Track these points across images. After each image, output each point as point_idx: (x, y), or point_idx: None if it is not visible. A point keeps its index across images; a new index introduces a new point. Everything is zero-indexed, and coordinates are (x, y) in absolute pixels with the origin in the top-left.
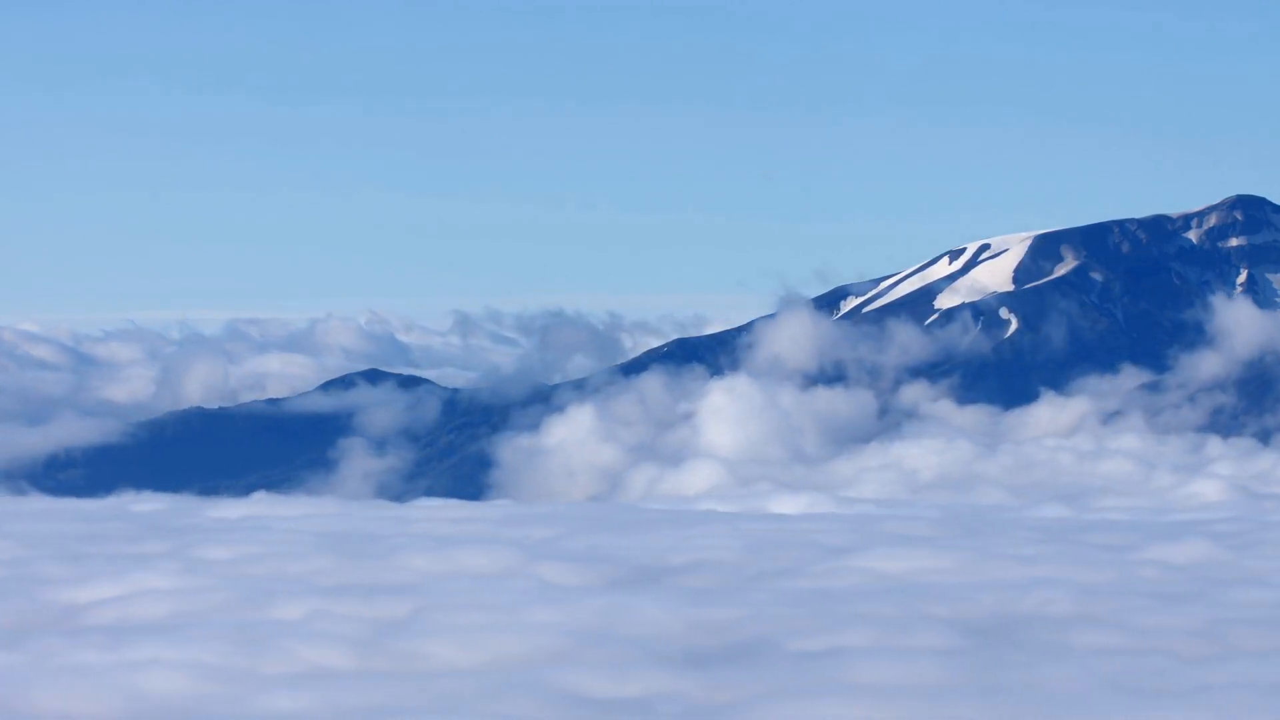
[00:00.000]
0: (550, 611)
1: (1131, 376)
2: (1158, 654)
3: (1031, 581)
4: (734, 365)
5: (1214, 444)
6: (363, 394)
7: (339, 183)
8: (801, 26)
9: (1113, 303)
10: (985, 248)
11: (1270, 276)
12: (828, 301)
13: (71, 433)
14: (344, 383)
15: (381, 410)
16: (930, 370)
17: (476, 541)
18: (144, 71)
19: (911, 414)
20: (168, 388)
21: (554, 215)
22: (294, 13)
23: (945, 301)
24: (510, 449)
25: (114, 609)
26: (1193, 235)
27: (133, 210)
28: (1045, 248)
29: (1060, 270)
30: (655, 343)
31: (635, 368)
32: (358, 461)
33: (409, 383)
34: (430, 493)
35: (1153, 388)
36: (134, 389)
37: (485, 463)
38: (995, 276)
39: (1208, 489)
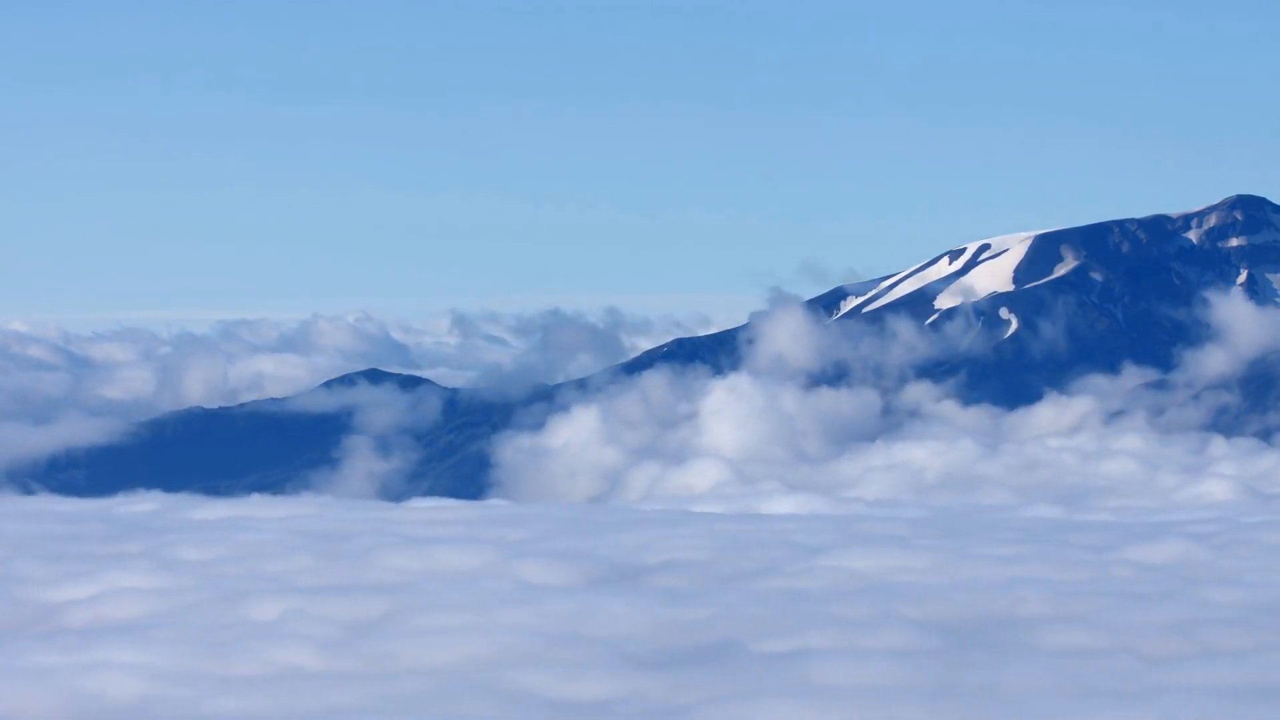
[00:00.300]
0: (522, 612)
1: (1132, 377)
2: (1123, 655)
3: (1006, 582)
4: (735, 365)
5: (1217, 444)
6: (363, 394)
7: (336, 182)
8: (801, 26)
9: (1113, 303)
10: (985, 248)
11: (1270, 276)
12: (828, 301)
13: (72, 433)
14: (344, 382)
15: (382, 410)
16: (931, 370)
17: (457, 541)
18: (134, 71)
19: (913, 414)
20: (167, 388)
21: (554, 215)
22: (291, 12)
23: (945, 301)
24: (511, 449)
25: (89, 609)
26: (1193, 235)
27: (120, 210)
28: (1045, 248)
29: (1060, 270)
30: (656, 342)
31: (636, 367)
32: (358, 461)
33: (409, 383)
34: (431, 492)
35: (1153, 388)
36: (131, 389)
37: (486, 463)
38: (995, 276)
39: (1217, 489)
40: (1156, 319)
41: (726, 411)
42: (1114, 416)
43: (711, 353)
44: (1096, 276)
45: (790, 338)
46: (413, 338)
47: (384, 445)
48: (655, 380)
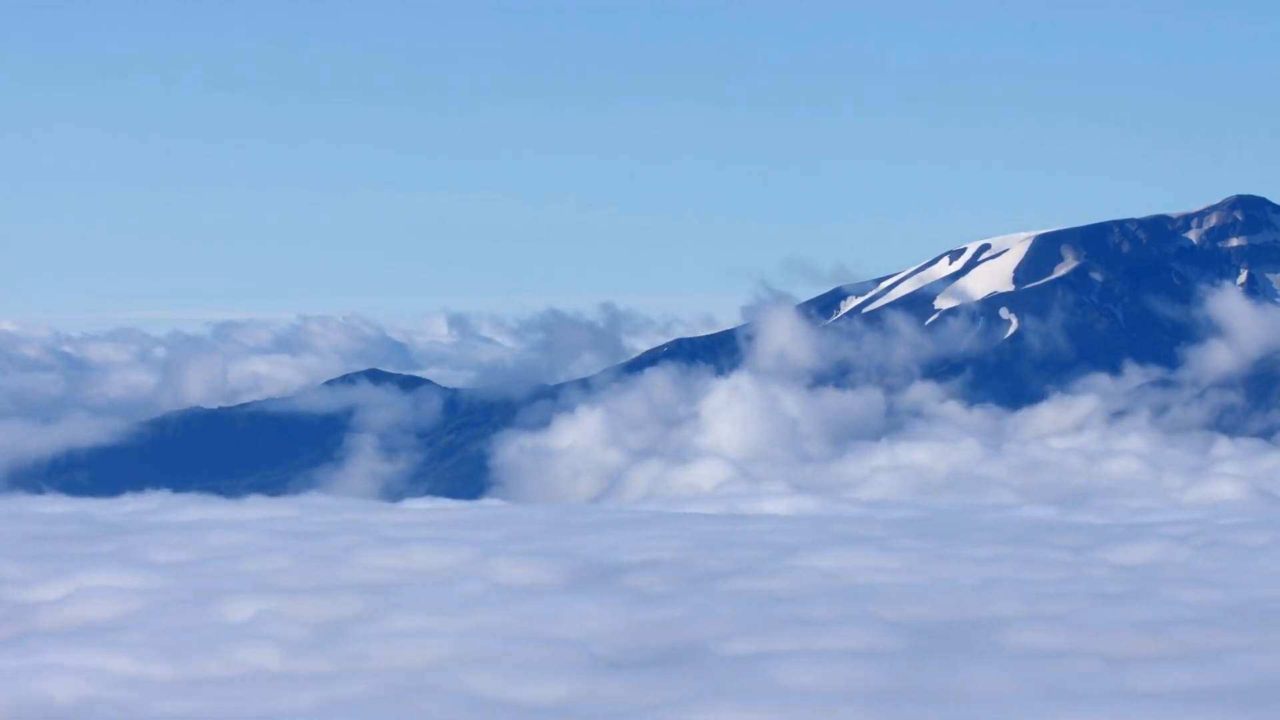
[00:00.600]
0: (492, 614)
1: (1132, 377)
2: (1090, 656)
3: (980, 583)
4: (735, 365)
5: (1221, 444)
6: (364, 394)
7: (333, 182)
8: (801, 26)
9: (1113, 303)
10: (985, 248)
11: (1270, 276)
12: (828, 301)
13: (74, 434)
14: (345, 382)
15: (383, 410)
16: (931, 371)
17: (438, 542)
18: (126, 71)
19: (914, 414)
20: (166, 388)
21: (554, 215)
22: (288, 11)
23: (945, 301)
24: (511, 449)
25: (62, 610)
26: (1193, 235)
27: (109, 210)
28: (1045, 248)
29: (1060, 270)
30: (656, 342)
31: (637, 367)
32: (359, 461)
33: (410, 383)
34: (432, 493)
35: (1154, 388)
36: (129, 390)
37: (487, 463)
38: (995, 277)
39: (1227, 489)
40: (1156, 319)
41: (728, 411)
42: (1115, 417)
43: (712, 353)
44: (1097, 276)
45: (790, 338)
46: (412, 338)
47: (385, 445)
48: (656, 380)
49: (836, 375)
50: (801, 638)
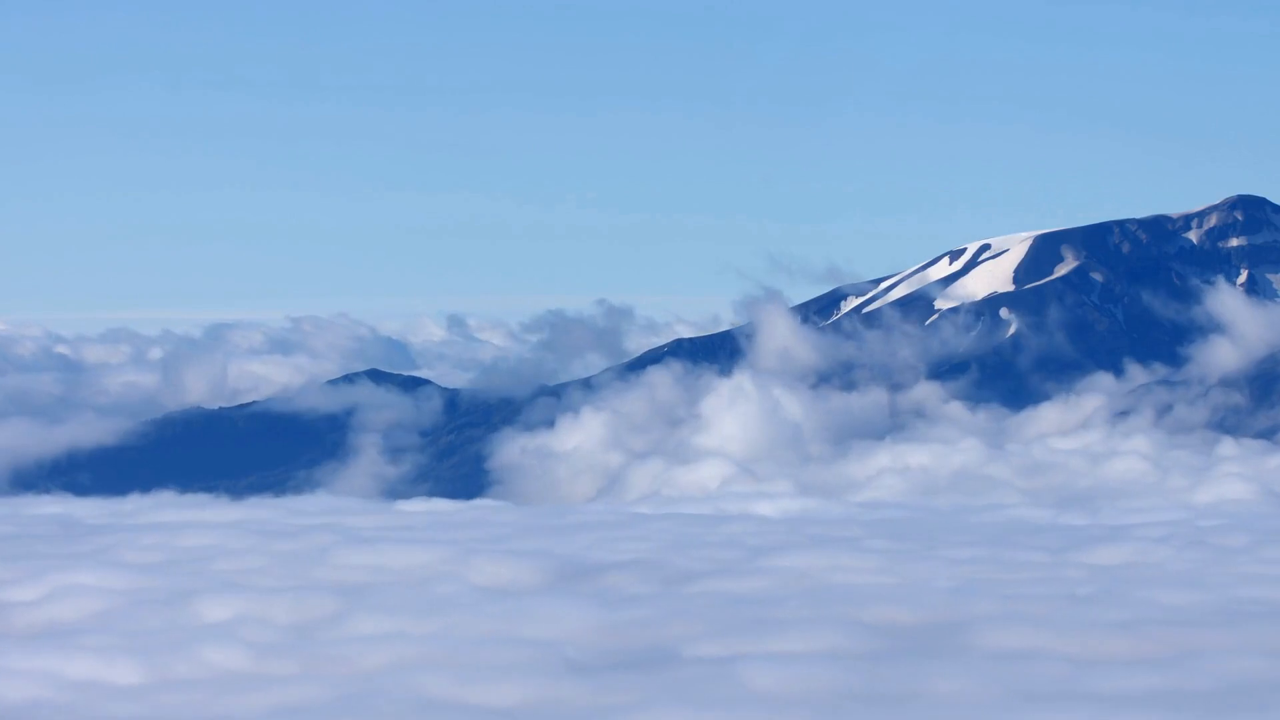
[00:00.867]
0: (465, 615)
1: (1133, 377)
2: (1057, 659)
3: (954, 584)
4: (736, 365)
5: (1225, 444)
6: (364, 394)
7: (330, 182)
8: (801, 26)
9: (1113, 303)
10: (985, 248)
11: (1270, 276)
12: (828, 302)
13: (75, 434)
14: (345, 382)
15: (384, 410)
16: (932, 371)
17: (416, 542)
18: (118, 71)
19: (914, 414)
20: (165, 388)
21: (554, 215)
22: (286, 11)
23: (945, 302)
24: (512, 449)
25: (36, 611)
26: (1193, 235)
27: (99, 210)
28: (1045, 248)
29: (1061, 270)
30: (658, 342)
31: (638, 367)
32: (360, 461)
33: (411, 383)
34: (433, 493)
35: (1154, 388)
36: (127, 390)
37: (487, 463)
38: (995, 277)
39: (1238, 490)
40: (1157, 319)
41: (729, 412)
42: (1117, 418)
43: (713, 353)
44: (1097, 277)
45: (791, 338)
46: (410, 338)
47: (386, 445)
48: (657, 380)
49: (837, 375)
50: (770, 640)
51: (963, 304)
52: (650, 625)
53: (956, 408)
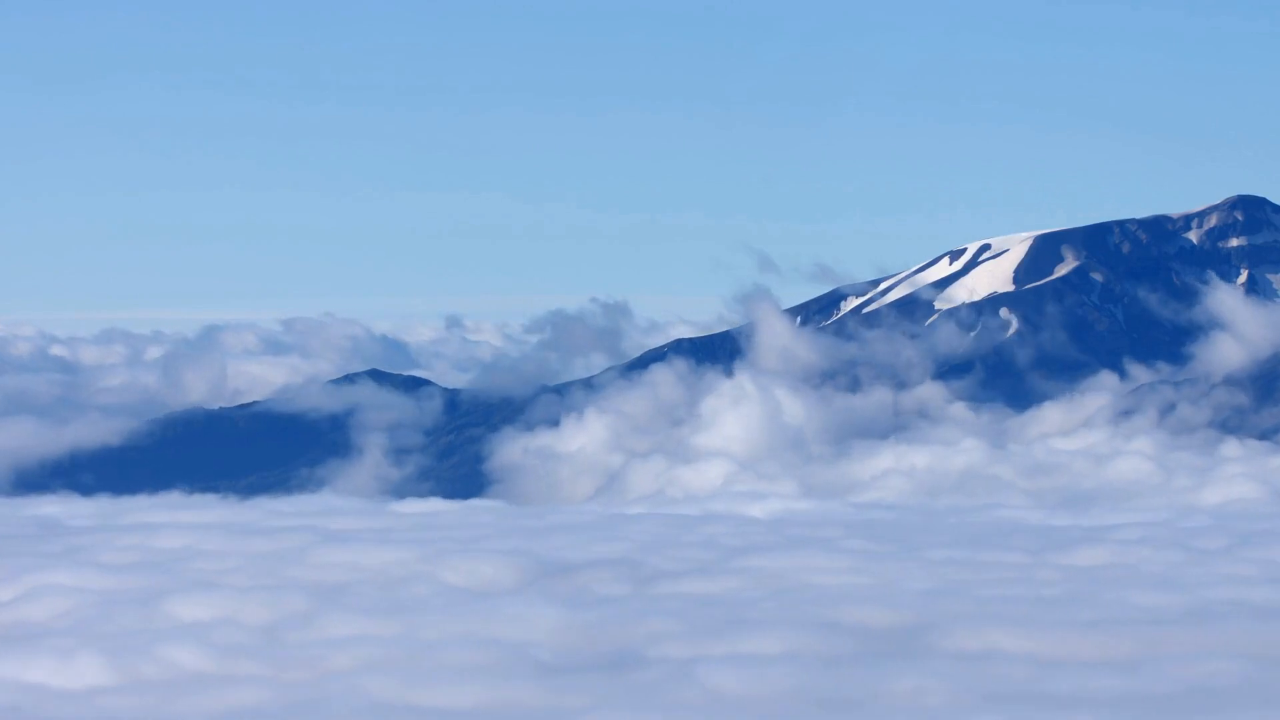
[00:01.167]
0: (433, 617)
1: (1133, 377)
2: (1026, 661)
3: (928, 586)
4: (737, 365)
5: (1229, 444)
6: (365, 393)
7: (329, 182)
8: (801, 26)
9: (1113, 303)
10: (985, 248)
11: (1271, 276)
12: (829, 302)
13: (77, 434)
14: (346, 382)
15: (384, 410)
16: (932, 371)
17: (395, 543)
18: (114, 70)
19: (914, 414)
20: (165, 388)
21: (554, 215)
22: (283, 10)
23: (946, 302)
24: (513, 449)
25: (10, 611)
26: (1193, 235)
27: (90, 209)
28: (1046, 248)
29: (1061, 270)
30: (658, 342)
31: (639, 366)
32: (361, 461)
33: (411, 383)
34: (434, 493)
35: (1155, 389)
36: (126, 391)
37: (488, 462)
38: (996, 277)
39: (1249, 490)
40: (1157, 319)
41: (730, 412)
42: (1119, 418)
43: (713, 353)
44: (1097, 277)
45: (791, 338)
46: (410, 338)
47: (387, 445)
48: (657, 380)
49: (838, 376)
50: (736, 641)
51: (963, 304)
52: (618, 626)
53: (959, 408)
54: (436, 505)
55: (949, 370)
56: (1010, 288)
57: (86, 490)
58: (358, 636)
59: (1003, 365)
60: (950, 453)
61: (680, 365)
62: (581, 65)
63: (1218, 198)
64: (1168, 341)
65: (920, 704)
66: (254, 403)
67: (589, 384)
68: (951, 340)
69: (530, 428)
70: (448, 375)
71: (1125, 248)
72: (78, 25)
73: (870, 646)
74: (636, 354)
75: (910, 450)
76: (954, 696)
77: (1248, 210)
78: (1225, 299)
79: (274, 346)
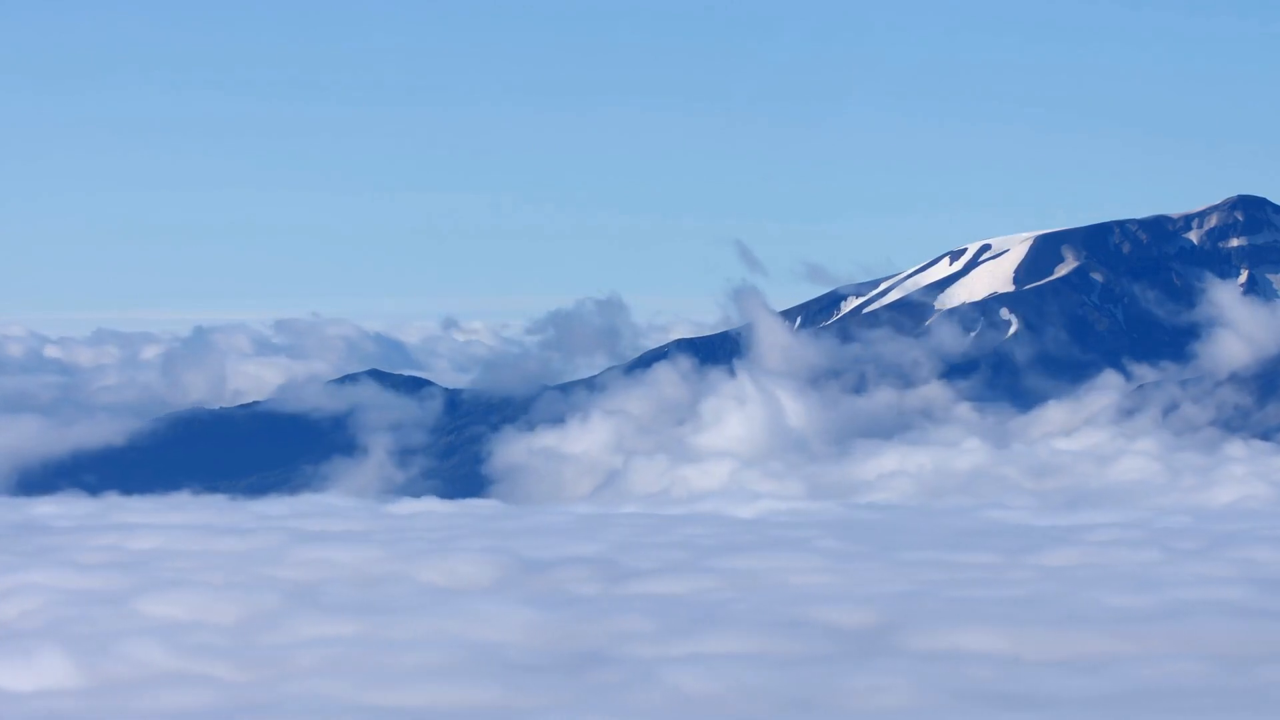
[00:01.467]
0: (403, 618)
1: (1134, 378)
2: (995, 662)
3: (901, 587)
4: (737, 365)
5: (1233, 444)
6: (366, 393)
7: (328, 182)
8: (801, 26)
9: (1113, 303)
10: (986, 248)
11: (1271, 276)
12: (829, 302)
13: (79, 435)
14: (347, 382)
15: (385, 410)
16: (933, 372)
17: (375, 543)
18: (112, 70)
19: (916, 415)
20: (165, 388)
21: (554, 215)
22: (282, 10)
23: (946, 302)
24: (513, 448)
25: None
26: (1193, 235)
27: (82, 209)
28: (1046, 248)
29: (1061, 271)
30: (660, 341)
31: (640, 366)
32: (362, 461)
33: (412, 383)
34: (434, 492)
35: (1155, 389)
36: (125, 391)
37: (489, 462)
38: (996, 277)
39: (1257, 490)
40: (1157, 319)
41: (731, 412)
42: (1120, 418)
43: (713, 353)
44: (1097, 277)
45: (791, 339)
46: (408, 338)
47: (389, 445)
48: (658, 380)
49: (838, 376)
50: (702, 641)
51: (963, 305)
52: (587, 625)
53: (960, 408)
54: (429, 505)
55: (951, 370)
56: (1010, 288)
57: (92, 490)
58: (325, 637)
59: (1004, 365)
60: (954, 453)
61: (682, 365)
62: (582, 65)
63: (1218, 198)
64: (1168, 342)
65: (885, 704)
66: (256, 402)
67: (591, 383)
68: (952, 341)
69: (532, 427)
70: (446, 375)
71: (1125, 248)
72: (78, 26)
73: (837, 647)
74: (638, 354)
75: (914, 451)
76: (919, 696)
77: (1248, 210)
78: (1225, 299)
79: (269, 347)
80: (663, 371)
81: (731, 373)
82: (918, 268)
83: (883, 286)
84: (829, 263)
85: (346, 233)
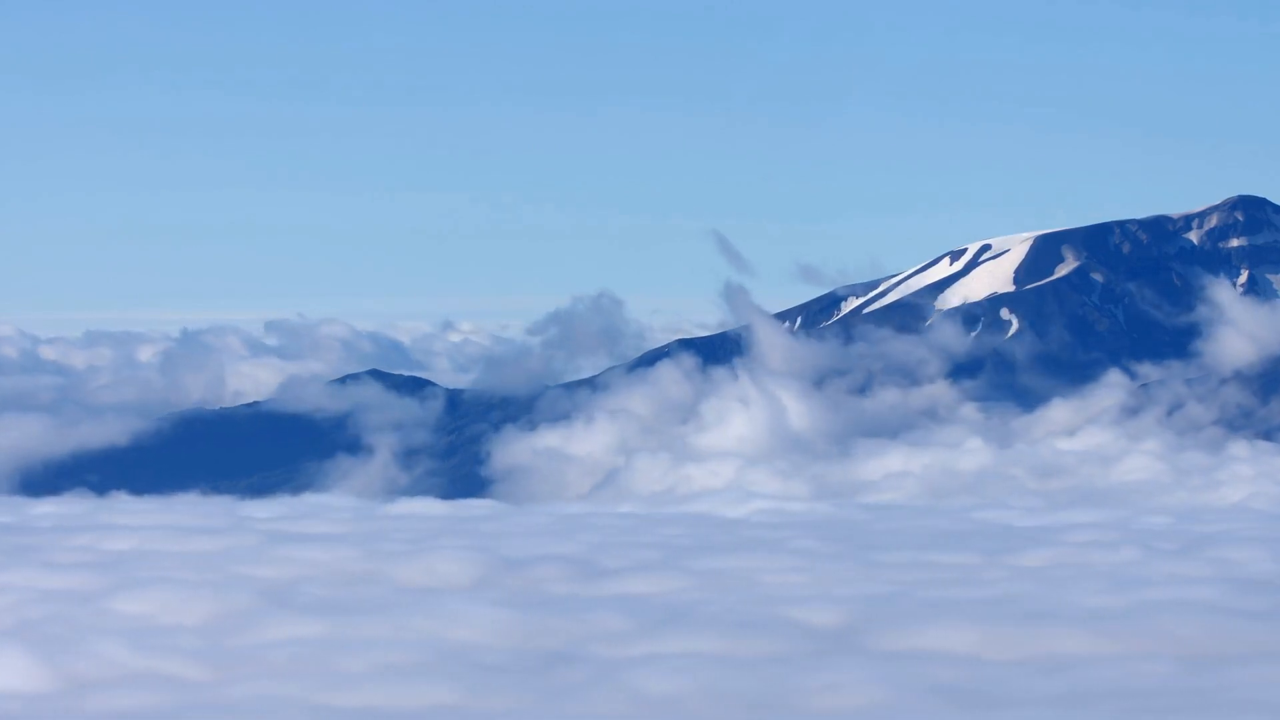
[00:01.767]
0: (377, 619)
1: (1134, 378)
2: (963, 663)
3: (881, 587)
4: (738, 366)
5: (1237, 444)
6: (366, 393)
7: (327, 182)
8: (801, 26)
9: (1114, 303)
10: (986, 248)
11: (1271, 277)
12: (830, 302)
13: (81, 435)
14: (347, 382)
15: (386, 410)
16: (933, 372)
17: (354, 543)
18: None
19: (917, 415)
20: (165, 389)
21: (554, 215)
22: (281, 10)
23: (946, 302)
24: (513, 448)
25: None
26: (1193, 236)
27: (75, 209)
28: (1046, 248)
29: (1061, 271)
30: (658, 342)
31: (641, 366)
32: (362, 461)
33: (412, 383)
34: (435, 492)
35: (1155, 389)
36: (125, 391)
37: (490, 462)
38: (996, 277)
39: (1266, 488)
40: (1157, 320)
41: (732, 412)
42: (1123, 418)
43: (714, 353)
44: (1097, 277)
45: (792, 339)
46: (407, 338)
47: (389, 445)
48: (660, 380)
49: (838, 376)
50: (672, 641)
51: (963, 305)
52: (557, 625)
53: (961, 409)
54: (421, 506)
55: (953, 370)
56: (1011, 288)
57: (97, 490)
58: (294, 637)
59: (1005, 365)
60: (958, 454)
61: (683, 365)
62: (582, 65)
63: (1218, 198)
64: (1168, 342)
65: (848, 703)
66: (257, 402)
67: (593, 383)
68: (953, 341)
69: (534, 427)
70: (446, 375)
71: (1126, 248)
72: (76, 26)
73: (804, 646)
74: (639, 353)
75: (918, 451)
76: (882, 695)
77: (1248, 210)
78: (1225, 299)
79: (267, 347)
80: (665, 371)
81: (736, 372)
82: (918, 268)
83: (882, 287)
84: (831, 263)
85: (340, 233)
